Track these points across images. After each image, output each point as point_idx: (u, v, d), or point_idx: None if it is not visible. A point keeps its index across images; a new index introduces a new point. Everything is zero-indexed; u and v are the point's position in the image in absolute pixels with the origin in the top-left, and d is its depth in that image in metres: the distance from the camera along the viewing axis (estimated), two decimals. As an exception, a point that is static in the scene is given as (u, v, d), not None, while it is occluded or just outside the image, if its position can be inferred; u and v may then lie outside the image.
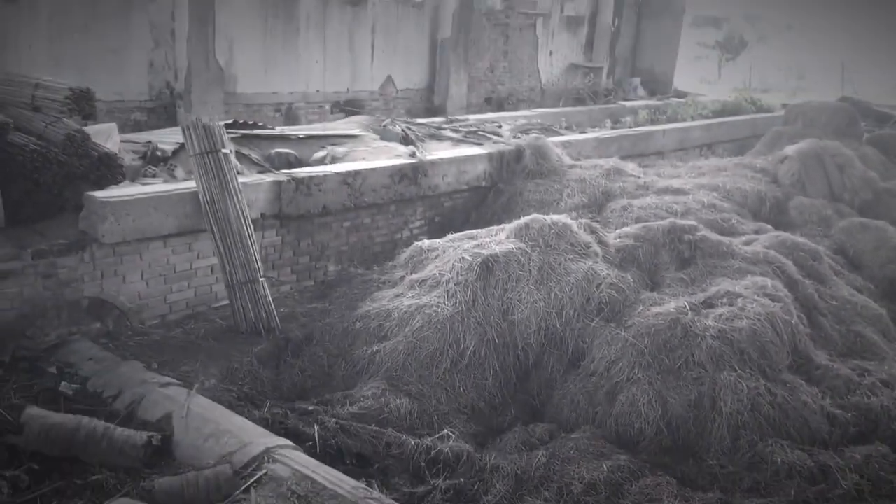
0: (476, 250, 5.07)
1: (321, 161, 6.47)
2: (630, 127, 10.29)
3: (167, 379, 4.18)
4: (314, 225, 5.83)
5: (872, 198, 7.57)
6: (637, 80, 15.23)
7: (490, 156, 7.30)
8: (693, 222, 5.86)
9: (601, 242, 5.39)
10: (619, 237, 5.62)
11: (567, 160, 7.62)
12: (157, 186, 5.16)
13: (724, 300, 4.80)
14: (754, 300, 4.75)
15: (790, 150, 7.76)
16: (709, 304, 4.84)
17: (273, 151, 6.43)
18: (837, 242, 6.67)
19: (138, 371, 4.26)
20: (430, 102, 11.80)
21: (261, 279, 5.03)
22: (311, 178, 5.69)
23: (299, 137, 6.87)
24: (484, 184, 7.25)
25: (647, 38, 15.94)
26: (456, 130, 8.39)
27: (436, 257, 5.38)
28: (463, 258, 5.01)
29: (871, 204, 7.53)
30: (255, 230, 5.19)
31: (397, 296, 5.12)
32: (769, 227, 6.59)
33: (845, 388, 4.54)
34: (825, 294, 5.52)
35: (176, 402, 3.88)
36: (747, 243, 5.91)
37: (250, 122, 7.01)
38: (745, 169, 7.84)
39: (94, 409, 3.92)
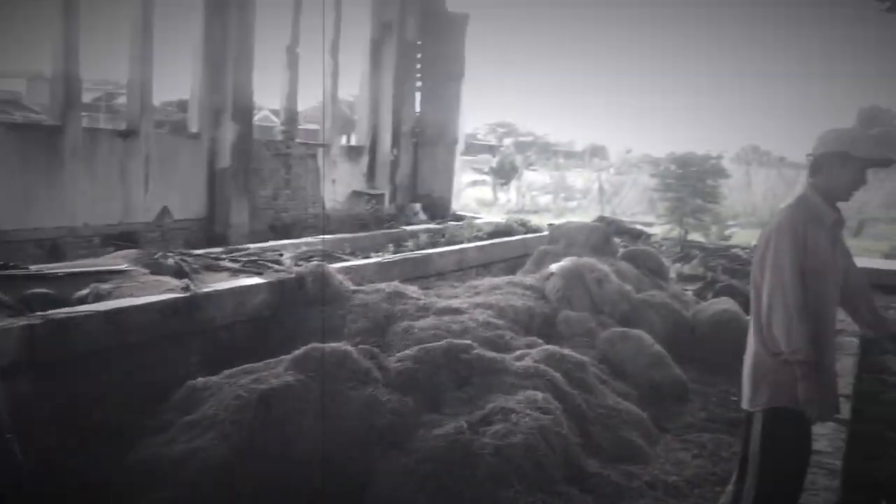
0: (253, 386, 4.91)
1: (83, 300, 6.07)
2: (411, 251, 10.62)
3: None
4: (75, 370, 5.39)
5: (630, 308, 8.24)
6: (418, 206, 15.87)
7: (270, 285, 7.20)
8: (469, 341, 6.06)
9: (382, 367, 5.42)
10: (400, 360, 5.68)
11: (349, 286, 7.68)
12: None
13: (500, 416, 4.95)
14: (527, 414, 4.94)
15: (554, 267, 8.34)
16: (486, 421, 4.96)
17: (29, 292, 5.96)
18: (602, 352, 7.14)
19: None
20: (211, 232, 11.54)
21: (8, 436, 4.52)
22: (69, 319, 5.31)
23: (59, 276, 6.44)
24: (265, 314, 7.10)
25: (425, 165, 16.78)
26: (235, 260, 8.24)
27: (211, 396, 5.13)
28: (239, 395, 4.83)
29: (629, 314, 8.18)
30: (3, 380, 4.70)
31: (170, 441, 4.80)
32: (540, 341, 6.94)
33: (615, 493, 4.77)
34: (593, 403, 5.84)
35: None
36: (520, 358, 6.18)
37: (1, 263, 6.47)
38: (516, 287, 8.29)
39: None
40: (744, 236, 17.69)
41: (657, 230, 18.03)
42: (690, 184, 16.26)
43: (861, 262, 12.56)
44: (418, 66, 16.41)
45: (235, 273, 7.65)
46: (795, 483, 3.42)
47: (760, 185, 30.24)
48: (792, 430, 3.29)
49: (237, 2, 11.39)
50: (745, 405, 3.45)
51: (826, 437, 5.38)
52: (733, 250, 15.11)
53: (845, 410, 6.04)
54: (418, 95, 16.52)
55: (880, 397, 7.07)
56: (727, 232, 18.23)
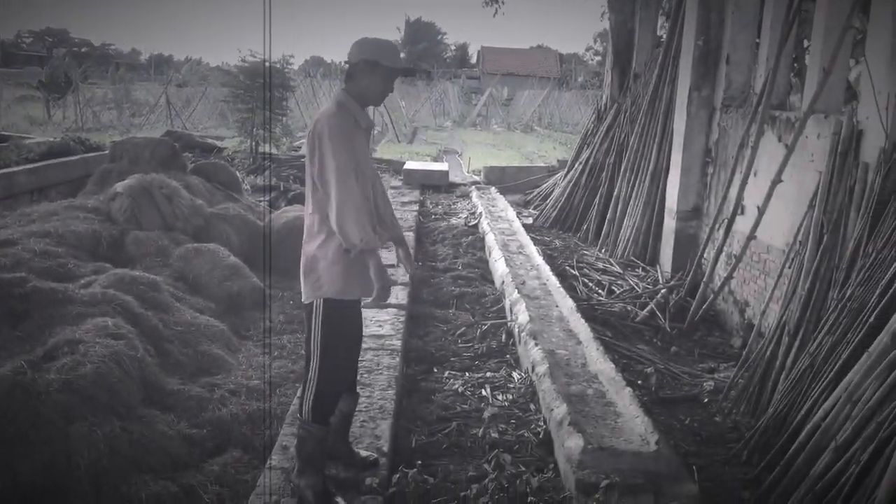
0: None
1: None
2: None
3: None
4: None
5: (203, 223, 8.11)
6: (-54, 126, 13.65)
7: None
8: (23, 274, 5.50)
9: None
10: (-67, 305, 4.95)
11: None
12: None
13: (66, 349, 4.60)
14: (97, 342, 4.67)
15: (119, 186, 7.82)
16: (50, 357, 4.58)
17: None
18: (177, 270, 6.97)
19: None
20: None
21: None
22: None
23: None
24: None
25: (-49, 78, 14.39)
26: None
27: None
28: None
29: (203, 229, 8.06)
30: None
31: None
32: (109, 266, 6.55)
33: (198, 406, 4.78)
34: (169, 321, 5.72)
35: None
36: (86, 286, 5.79)
37: None
38: (77, 211, 7.64)
39: None
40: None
41: (229, 143, 17.88)
42: (259, 95, 16.27)
43: (414, 164, 13.99)
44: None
45: None
46: (352, 363, 3.78)
47: (325, 96, 31.48)
48: (349, 316, 3.59)
49: None
50: (304, 298, 3.63)
51: (388, 323, 6.00)
52: (303, 160, 15.60)
53: (403, 296, 6.78)
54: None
55: (431, 282, 8.04)
56: (297, 143, 18.76)
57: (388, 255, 7.34)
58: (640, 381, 5.77)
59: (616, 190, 10.27)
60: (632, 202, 9.68)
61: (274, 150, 17.13)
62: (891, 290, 4.21)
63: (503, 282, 7.64)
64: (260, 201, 10.81)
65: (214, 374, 5.35)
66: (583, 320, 6.32)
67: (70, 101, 28.99)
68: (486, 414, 4.45)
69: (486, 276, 8.36)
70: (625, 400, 4.76)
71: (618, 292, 8.03)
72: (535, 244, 9.60)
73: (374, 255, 3.42)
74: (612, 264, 9.13)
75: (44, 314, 5.19)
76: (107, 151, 11.61)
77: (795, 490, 3.90)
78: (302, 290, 3.62)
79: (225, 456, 4.36)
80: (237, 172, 11.30)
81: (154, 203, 7.67)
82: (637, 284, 8.17)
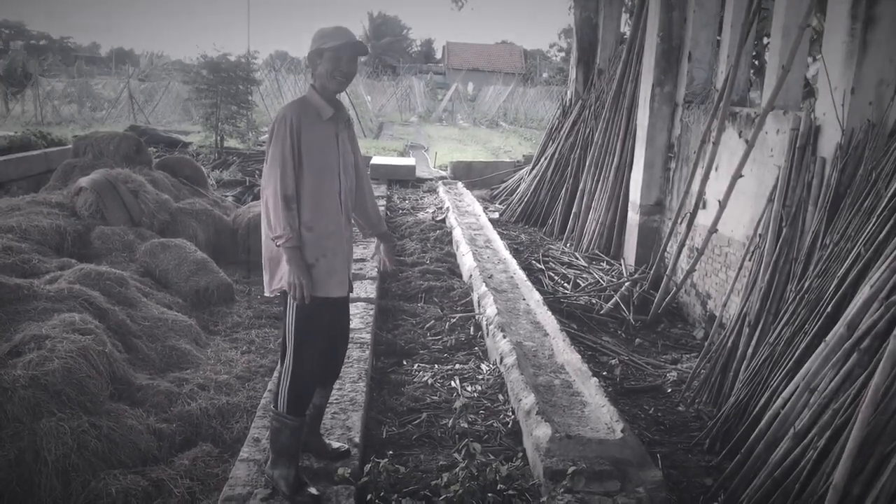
0: None
1: None
2: None
3: None
4: None
5: (169, 218, 8.07)
6: None
7: None
8: (-14, 270, 5.45)
9: None
10: None
11: None
12: None
13: (32, 345, 4.57)
14: (64, 338, 4.63)
15: (84, 181, 7.74)
16: (16, 352, 4.55)
17: None
18: (143, 265, 6.93)
19: None
20: None
21: None
22: None
23: None
24: None
25: None
26: None
27: None
28: None
29: (169, 224, 8.03)
30: None
31: None
32: (74, 261, 6.50)
33: (167, 401, 4.78)
34: (137, 317, 5.70)
35: None
36: (51, 281, 5.74)
37: None
38: (40, 206, 7.55)
39: None
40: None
41: (194, 138, 17.70)
42: (223, 90, 16.14)
43: (380, 159, 14.03)
44: None
45: None
46: (326, 358, 3.78)
47: (290, 90, 31.27)
48: (320, 312, 3.60)
49: None
50: (266, 291, 3.67)
51: (357, 316, 6.02)
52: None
53: (372, 290, 6.81)
54: None
55: (400, 276, 8.08)
56: (262, 137, 18.65)
57: (356, 251, 7.39)
58: (605, 372, 5.88)
59: (581, 184, 10.39)
60: (596, 196, 9.80)
61: (239, 145, 17.02)
62: (847, 282, 4.34)
63: (471, 275, 7.70)
64: (226, 196, 10.77)
65: (184, 368, 5.35)
66: (549, 313, 6.41)
67: (29, 95, 28.45)
68: (456, 405, 4.50)
69: (454, 271, 8.42)
70: (591, 390, 4.86)
71: (583, 285, 8.14)
72: (501, 238, 9.69)
73: (291, 251, 3.42)
74: (577, 258, 9.25)
75: (8, 310, 5.14)
76: (69, 146, 11.46)
77: (756, 476, 4.01)
78: (265, 282, 3.66)
79: (195, 450, 4.36)
80: (202, 167, 11.22)
81: (119, 198, 7.60)
82: (602, 278, 8.29)
